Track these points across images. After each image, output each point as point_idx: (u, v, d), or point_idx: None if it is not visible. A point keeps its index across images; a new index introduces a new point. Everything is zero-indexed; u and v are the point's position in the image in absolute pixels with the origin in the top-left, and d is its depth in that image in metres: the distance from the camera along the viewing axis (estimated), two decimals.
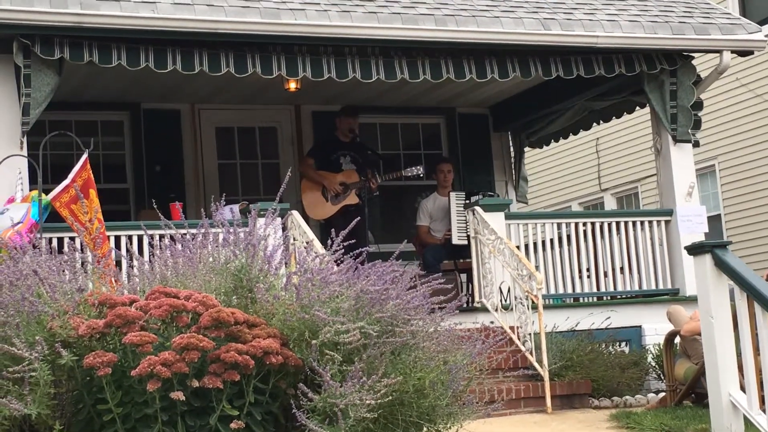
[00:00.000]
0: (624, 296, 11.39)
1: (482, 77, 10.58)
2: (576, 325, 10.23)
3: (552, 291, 10.98)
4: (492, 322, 9.67)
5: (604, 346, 10.07)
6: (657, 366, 10.08)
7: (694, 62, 11.42)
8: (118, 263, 7.59)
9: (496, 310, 9.98)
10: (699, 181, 13.27)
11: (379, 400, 5.09)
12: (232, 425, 5.00)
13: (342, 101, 12.30)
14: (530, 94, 12.94)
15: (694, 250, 7.01)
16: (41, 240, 7.49)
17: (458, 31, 10.21)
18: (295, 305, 5.48)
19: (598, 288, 11.30)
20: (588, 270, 11.27)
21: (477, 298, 10.41)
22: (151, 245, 6.13)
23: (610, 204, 18.51)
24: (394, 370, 5.36)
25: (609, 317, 10.50)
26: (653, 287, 11.32)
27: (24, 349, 4.94)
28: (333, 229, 6.13)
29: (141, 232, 8.74)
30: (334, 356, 5.20)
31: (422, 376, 5.49)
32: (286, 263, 6.06)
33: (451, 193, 11.54)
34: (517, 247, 10.17)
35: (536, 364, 9.18)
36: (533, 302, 9.35)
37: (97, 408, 5.06)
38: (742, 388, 6.74)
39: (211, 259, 5.85)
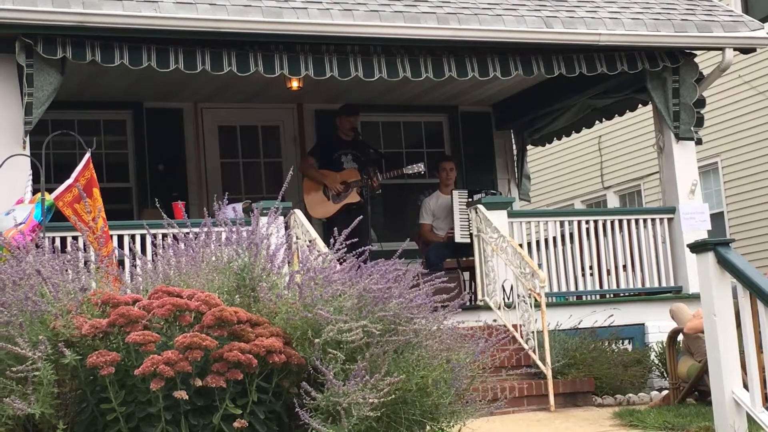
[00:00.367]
0: (627, 294, 11.38)
1: (484, 75, 10.57)
2: (579, 323, 10.22)
3: (555, 289, 10.97)
4: (495, 321, 9.67)
5: (607, 344, 10.06)
6: (660, 364, 10.08)
7: (696, 60, 11.41)
8: (121, 262, 7.60)
9: (499, 308, 9.97)
10: (702, 179, 13.27)
11: (382, 399, 5.09)
12: (236, 424, 5.00)
13: (344, 100, 12.30)
14: (533, 92, 12.94)
15: (697, 247, 7.00)
16: (44, 239, 7.49)
17: (460, 30, 10.21)
18: (298, 304, 5.49)
19: (601, 286, 11.29)
20: (591, 268, 11.27)
21: (480, 297, 10.41)
22: (153, 244, 6.15)
23: (613, 202, 18.50)
24: (396, 369, 5.37)
25: (612, 315, 10.49)
26: (656, 285, 11.31)
27: (27, 349, 4.94)
28: (336, 228, 6.12)
29: (144, 232, 8.76)
30: (337, 355, 5.20)
31: (425, 374, 5.49)
32: (288, 262, 6.07)
33: (453, 191, 11.54)
34: (520, 245, 10.17)
35: (539, 362, 9.18)
36: (536, 300, 9.35)
37: (100, 407, 5.07)
38: (745, 386, 6.74)
39: (213, 258, 5.86)
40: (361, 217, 7.11)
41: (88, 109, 12.04)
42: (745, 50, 11.73)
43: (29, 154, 9.05)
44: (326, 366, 5.13)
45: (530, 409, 8.88)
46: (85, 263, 5.86)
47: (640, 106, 12.58)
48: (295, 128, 13.02)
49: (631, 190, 18.22)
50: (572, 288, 11.13)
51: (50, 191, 8.12)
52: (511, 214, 10.88)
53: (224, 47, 9.63)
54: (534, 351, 9.32)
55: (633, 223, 11.37)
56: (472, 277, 11.13)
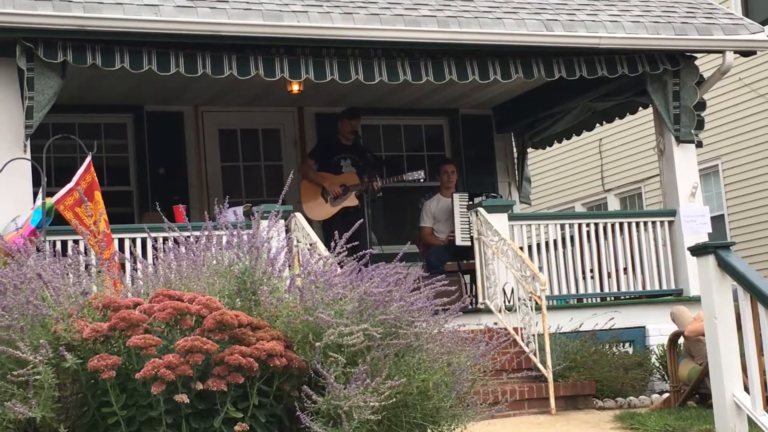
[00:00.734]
0: (628, 297, 11.38)
1: (485, 78, 10.57)
2: (580, 326, 10.22)
3: (555, 292, 10.97)
4: (496, 324, 9.67)
5: (607, 347, 10.07)
6: (661, 367, 10.08)
7: (696, 63, 11.42)
8: (122, 266, 7.60)
9: (500, 311, 9.98)
10: (702, 182, 13.26)
11: (383, 402, 5.09)
12: (237, 428, 5.01)
13: (345, 103, 12.30)
14: (533, 95, 12.94)
15: (698, 250, 7.00)
16: (45, 243, 7.49)
17: (461, 33, 10.21)
18: (299, 307, 5.49)
19: (601, 289, 11.29)
20: (591, 271, 11.27)
21: (480, 300, 10.41)
22: (154, 248, 6.14)
23: (614, 204, 18.50)
24: (397, 372, 5.37)
25: (613, 318, 10.50)
26: (657, 288, 11.31)
27: (28, 353, 4.94)
28: (336, 231, 6.12)
29: (144, 235, 8.76)
30: (337, 358, 5.20)
31: (426, 377, 5.49)
32: (289, 265, 6.06)
33: (454, 194, 11.54)
34: (521, 248, 10.17)
35: (540, 366, 9.18)
36: (537, 303, 9.35)
37: (101, 411, 5.07)
38: (746, 389, 6.74)
39: (214, 262, 5.86)
40: (362, 220, 7.11)
41: (89, 112, 12.04)
42: (746, 53, 11.75)
43: (30, 158, 9.06)
44: (327, 369, 5.13)
45: (531, 412, 8.88)
46: (86, 267, 5.86)
47: (640, 108, 12.58)
48: (295, 131, 13.03)
49: (632, 193, 18.22)
50: (573, 291, 11.13)
51: (51, 195, 8.12)
52: (512, 217, 10.89)
53: (225, 50, 9.64)
54: (535, 354, 9.32)
55: (634, 225, 11.37)
56: (473, 280, 11.13)
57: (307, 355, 5.33)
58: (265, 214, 6.31)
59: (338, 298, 5.52)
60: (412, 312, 5.59)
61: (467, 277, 11.62)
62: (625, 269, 11.30)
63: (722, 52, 11.22)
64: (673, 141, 11.32)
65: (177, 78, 9.79)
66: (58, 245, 8.33)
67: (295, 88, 11.44)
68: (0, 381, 5.00)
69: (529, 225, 11.37)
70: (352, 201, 11.48)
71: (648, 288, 11.31)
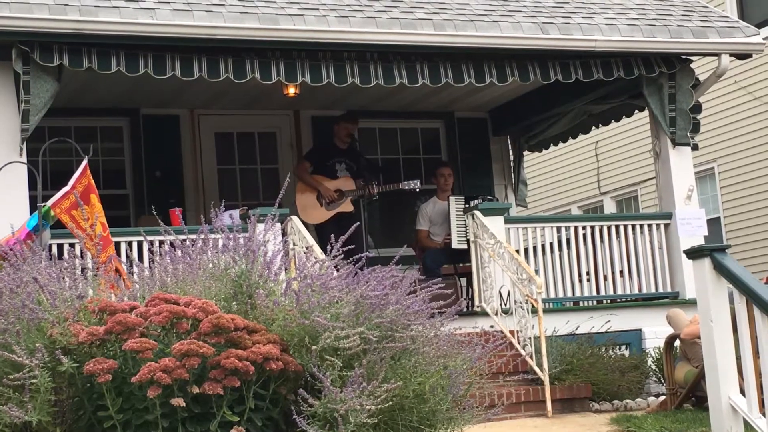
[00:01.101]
0: (624, 300, 11.39)
1: (481, 81, 10.58)
2: (576, 329, 10.23)
3: (552, 295, 10.98)
4: (492, 327, 9.67)
5: (604, 350, 10.07)
6: (657, 369, 10.09)
7: (692, 65, 11.43)
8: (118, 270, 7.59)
9: (496, 314, 9.98)
10: (698, 184, 13.27)
11: (379, 406, 5.09)
12: (233, 431, 5.00)
13: (341, 106, 12.31)
14: (529, 98, 12.95)
15: (694, 253, 7.01)
16: (39, 247, 7.48)
17: (457, 36, 10.22)
18: (295, 311, 5.48)
19: (597, 292, 11.30)
20: (588, 273, 11.28)
21: (477, 303, 10.41)
22: (150, 251, 6.13)
23: (610, 207, 18.51)
24: (394, 376, 5.37)
25: (609, 321, 10.50)
26: (653, 290, 11.33)
27: (24, 357, 4.94)
28: (332, 235, 6.12)
29: (141, 238, 8.76)
30: (334, 362, 5.20)
31: (422, 381, 5.49)
32: (285, 269, 6.06)
33: (450, 197, 11.55)
34: (517, 251, 10.18)
35: (536, 368, 9.18)
36: (533, 306, 9.36)
37: (97, 415, 5.06)
38: (742, 392, 6.74)
39: (210, 265, 5.85)
40: (357, 223, 7.11)
41: (85, 116, 12.04)
42: (741, 56, 11.76)
43: (26, 161, 9.05)
44: (323, 373, 5.13)
45: (527, 415, 8.89)
46: (83, 270, 5.86)
47: (636, 111, 12.60)
48: (291, 134, 13.04)
49: (628, 196, 18.24)
50: (569, 294, 11.14)
51: (47, 198, 8.11)
52: (508, 220, 10.90)
53: (221, 54, 9.64)
54: (531, 357, 9.33)
55: (630, 228, 11.38)
56: (469, 283, 11.14)
57: (303, 358, 5.33)
58: (262, 218, 6.31)
59: (334, 302, 5.51)
60: (409, 315, 5.59)
61: (463, 280, 11.63)
62: (622, 272, 11.31)
63: (718, 55, 11.24)
64: (668, 144, 11.34)
65: (173, 81, 9.79)
66: (55, 249, 8.38)
67: (291, 91, 11.44)
68: None
69: (526, 228, 11.39)
70: (347, 206, 11.47)
71: (644, 291, 11.32)
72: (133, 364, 5.03)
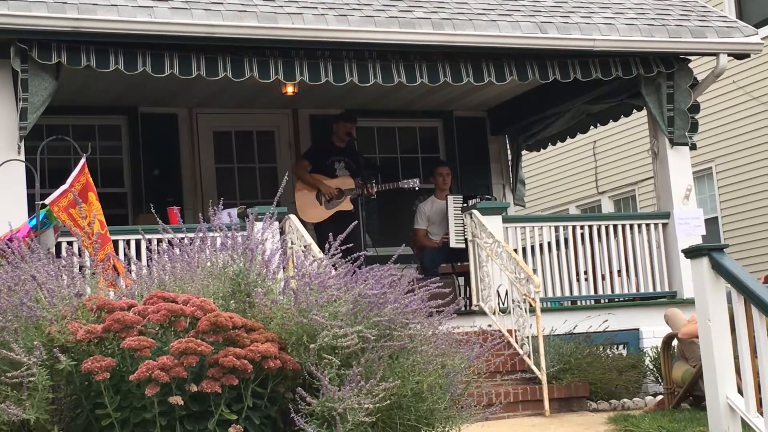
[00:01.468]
0: (622, 299, 11.40)
1: (479, 81, 10.58)
2: (574, 328, 10.23)
3: (550, 294, 10.98)
4: (490, 326, 9.68)
5: (601, 349, 10.07)
6: (655, 369, 10.09)
7: (690, 65, 11.44)
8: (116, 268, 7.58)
9: (494, 313, 9.98)
10: (696, 184, 13.28)
11: (377, 404, 5.09)
12: (231, 430, 5.00)
13: (339, 105, 12.30)
14: (527, 98, 12.95)
15: (691, 253, 7.01)
16: (38, 245, 7.48)
17: (455, 35, 10.22)
18: (293, 309, 5.48)
19: (595, 291, 11.31)
20: (585, 273, 11.28)
21: (475, 302, 10.41)
22: (149, 250, 6.14)
23: (608, 207, 18.52)
24: (392, 374, 5.37)
25: (607, 320, 10.50)
26: (651, 290, 11.33)
27: (22, 354, 4.94)
28: (330, 234, 6.12)
29: (139, 237, 8.77)
30: (332, 360, 5.20)
31: (420, 379, 5.49)
32: (283, 267, 6.06)
33: (448, 196, 11.55)
34: (515, 251, 10.18)
35: (534, 368, 9.18)
36: (531, 305, 9.36)
37: (95, 413, 5.06)
38: (740, 391, 6.74)
39: (209, 264, 5.86)
40: (356, 222, 7.11)
41: (83, 114, 12.04)
42: (740, 56, 11.76)
43: (24, 160, 9.05)
44: (321, 371, 5.13)
45: (525, 414, 8.89)
46: (81, 268, 5.86)
47: (634, 111, 12.59)
48: (290, 133, 13.03)
49: (626, 195, 18.24)
50: (567, 293, 11.14)
51: (45, 196, 8.11)
52: (506, 219, 10.90)
53: (219, 52, 9.64)
54: (529, 356, 9.33)
55: (628, 228, 11.38)
56: (467, 282, 11.14)
57: (301, 357, 5.33)
58: (260, 216, 6.32)
59: (332, 300, 5.52)
60: (407, 314, 5.59)
61: (461, 279, 11.63)
62: (619, 271, 11.31)
63: (716, 54, 11.24)
64: (667, 143, 11.34)
65: (171, 80, 9.78)
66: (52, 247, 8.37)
67: (290, 89, 11.43)
68: None
69: (524, 227, 11.39)
70: (347, 205, 11.47)
71: (642, 290, 11.33)
72: (131, 362, 5.04)
